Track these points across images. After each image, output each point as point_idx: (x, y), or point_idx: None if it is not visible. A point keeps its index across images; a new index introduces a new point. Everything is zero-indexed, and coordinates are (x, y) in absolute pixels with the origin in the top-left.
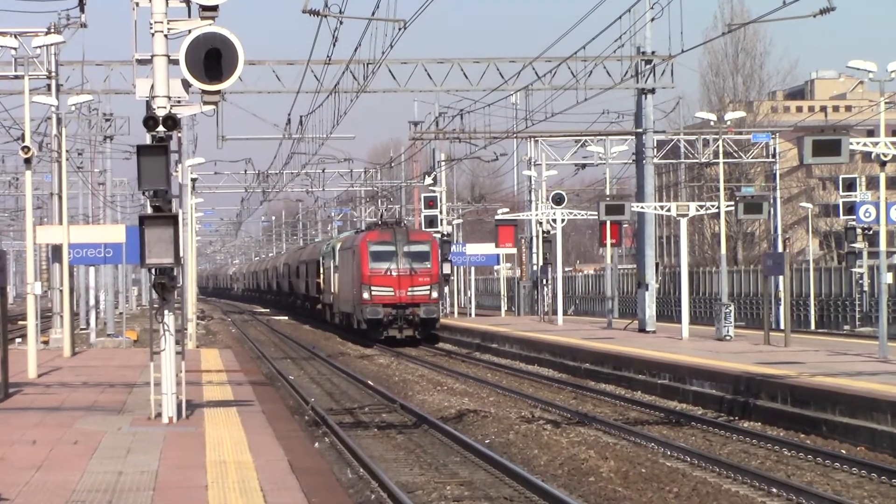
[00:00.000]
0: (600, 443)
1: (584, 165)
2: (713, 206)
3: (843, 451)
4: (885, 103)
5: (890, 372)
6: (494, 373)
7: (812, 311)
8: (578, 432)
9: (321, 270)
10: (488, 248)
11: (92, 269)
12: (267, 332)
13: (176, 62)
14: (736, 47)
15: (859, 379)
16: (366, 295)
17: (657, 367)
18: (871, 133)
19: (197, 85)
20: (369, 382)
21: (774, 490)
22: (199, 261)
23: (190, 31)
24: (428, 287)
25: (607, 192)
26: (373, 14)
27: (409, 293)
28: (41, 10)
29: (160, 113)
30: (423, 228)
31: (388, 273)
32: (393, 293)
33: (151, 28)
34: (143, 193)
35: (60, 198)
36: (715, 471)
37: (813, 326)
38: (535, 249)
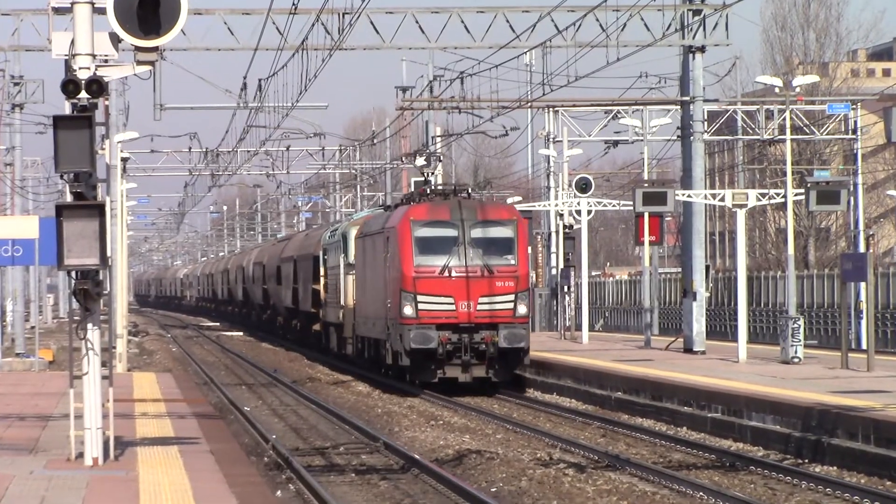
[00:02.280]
0: (635, 492)
1: (616, 143)
2: (778, 194)
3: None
4: None
5: None
6: (503, 404)
7: None
8: (608, 479)
9: (321, 272)
10: None
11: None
12: (216, 352)
13: (103, 11)
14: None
15: None
16: (408, 310)
17: (706, 397)
18: None
19: (129, 40)
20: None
21: None
22: (132, 261)
23: None
24: (511, 297)
25: (645, 177)
26: None
27: (480, 307)
28: None
29: (83, 75)
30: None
31: (446, 274)
32: (453, 308)
33: None
34: (62, 177)
35: None
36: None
37: None
38: (553, 249)
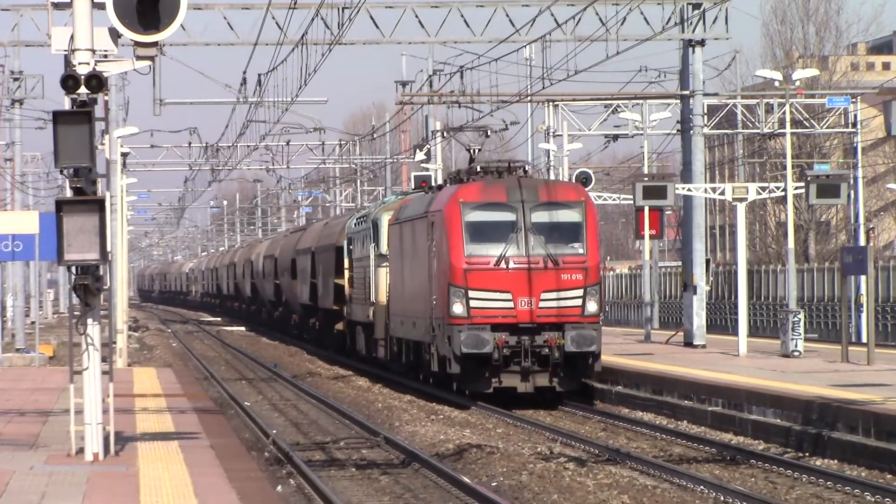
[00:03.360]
0: (636, 486)
1: (616, 137)
2: (778, 188)
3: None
4: None
5: None
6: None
7: None
8: (609, 473)
9: (345, 265)
10: None
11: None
12: (216, 347)
13: (102, 7)
14: None
15: None
16: (457, 308)
17: (707, 391)
18: None
19: (128, 35)
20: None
21: None
22: (132, 256)
23: None
24: (580, 292)
25: (645, 171)
26: None
27: (543, 304)
28: None
29: (82, 70)
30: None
31: (503, 265)
32: (511, 305)
33: None
34: (62, 172)
35: None
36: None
37: None
38: None
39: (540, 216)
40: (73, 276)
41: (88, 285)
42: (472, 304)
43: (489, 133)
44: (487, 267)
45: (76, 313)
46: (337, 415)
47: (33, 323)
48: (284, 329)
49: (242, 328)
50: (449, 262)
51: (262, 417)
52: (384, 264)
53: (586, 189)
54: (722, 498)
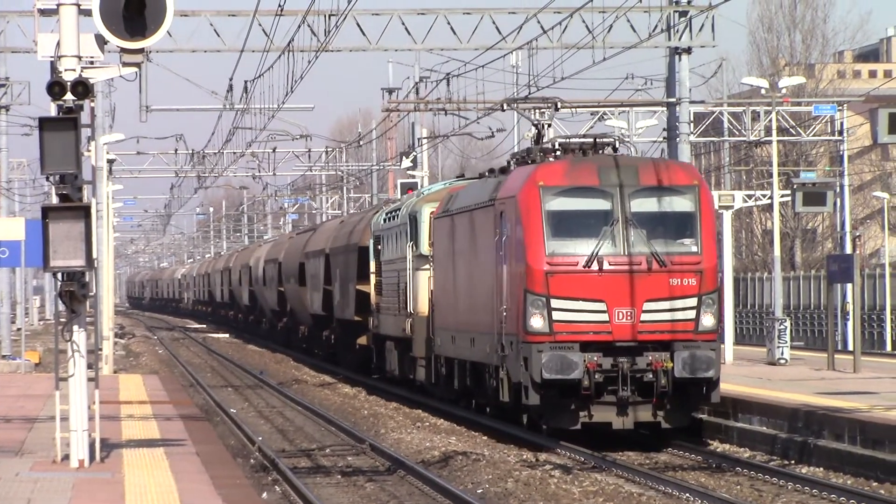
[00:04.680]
0: (622, 493)
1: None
2: (764, 195)
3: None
4: None
5: None
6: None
7: (888, 328)
8: (594, 480)
9: (371, 268)
10: None
11: None
12: (202, 354)
13: (88, 13)
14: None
15: None
16: (536, 321)
17: None
18: None
19: (115, 42)
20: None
21: None
22: (118, 263)
23: None
24: (693, 301)
25: None
26: None
27: (646, 318)
28: None
29: (68, 77)
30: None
31: (595, 267)
32: (605, 318)
33: None
34: (48, 178)
35: None
36: None
37: (889, 347)
38: None
39: (642, 204)
40: (59, 283)
41: (74, 292)
42: (556, 316)
43: (559, 106)
44: (575, 269)
45: (62, 320)
46: (323, 422)
47: (19, 330)
48: (290, 342)
49: (227, 335)
50: (526, 263)
51: (247, 424)
52: (425, 267)
53: None
54: None
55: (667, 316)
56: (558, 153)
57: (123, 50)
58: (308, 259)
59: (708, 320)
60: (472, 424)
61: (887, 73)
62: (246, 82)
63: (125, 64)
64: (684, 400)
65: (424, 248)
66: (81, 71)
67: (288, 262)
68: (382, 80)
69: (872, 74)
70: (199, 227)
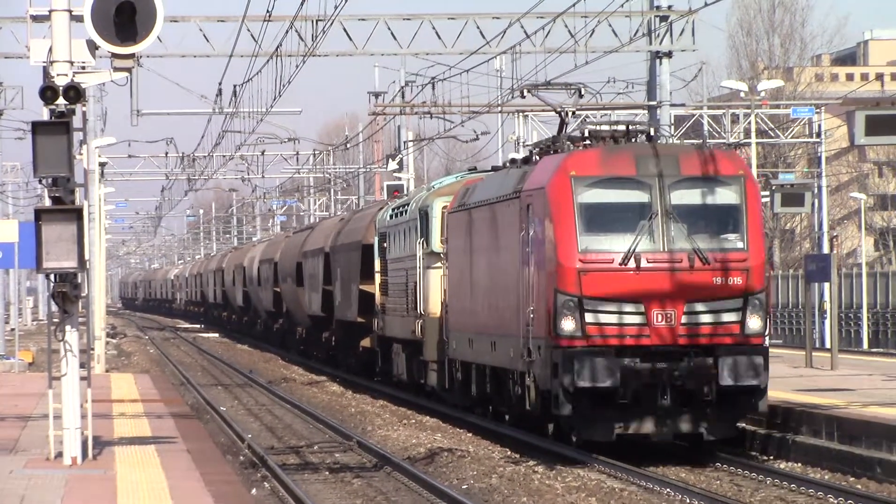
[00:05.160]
0: (604, 489)
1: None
2: None
3: None
4: None
5: None
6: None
7: (865, 327)
8: (577, 476)
9: (376, 267)
10: None
11: None
12: (193, 353)
13: (80, 19)
14: (772, 1)
15: None
16: (568, 324)
17: None
18: None
19: (106, 47)
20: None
21: None
22: (110, 264)
23: None
24: (739, 302)
25: None
26: None
27: (688, 320)
28: None
29: (60, 82)
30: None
31: (633, 264)
32: (643, 320)
33: None
34: (40, 181)
35: None
36: None
37: (866, 345)
38: None
39: (683, 196)
40: (52, 284)
41: (67, 293)
42: (589, 318)
43: (582, 92)
44: (610, 267)
45: (55, 320)
46: (311, 419)
47: (13, 330)
48: (286, 344)
49: (217, 335)
50: (556, 261)
51: (237, 422)
52: (437, 265)
53: None
54: (688, 500)
55: (710, 318)
56: (588, 142)
57: (114, 55)
58: (306, 258)
59: (755, 323)
60: (457, 422)
61: (864, 76)
62: (235, 86)
63: (116, 69)
64: (729, 409)
65: (436, 245)
66: (73, 76)
67: (284, 262)
68: (369, 83)
69: (850, 77)
70: (190, 229)
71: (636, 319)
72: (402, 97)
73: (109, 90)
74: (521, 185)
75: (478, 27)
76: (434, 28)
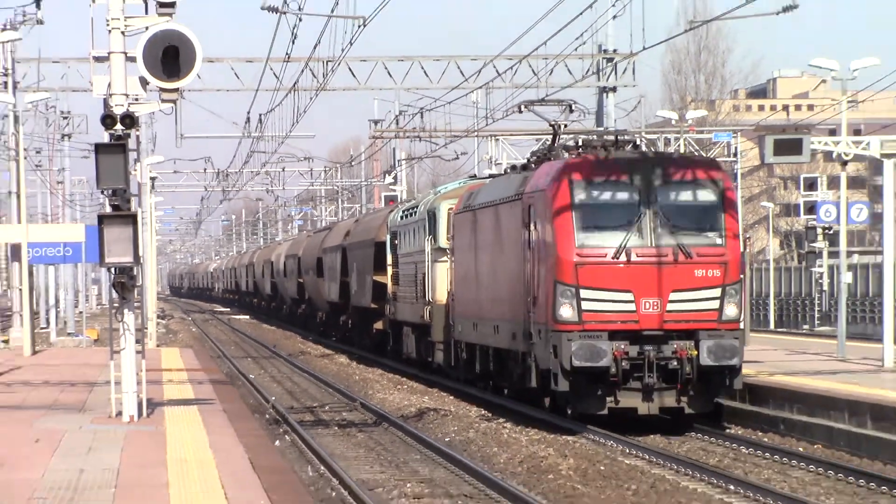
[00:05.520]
0: (559, 441)
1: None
2: None
3: (801, 449)
4: (847, 102)
5: (848, 371)
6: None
7: (772, 311)
8: (538, 430)
9: (388, 261)
10: None
11: (51, 268)
12: (227, 332)
13: (133, 59)
14: (698, 45)
15: (817, 378)
16: (566, 311)
17: None
18: (832, 132)
19: (155, 83)
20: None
21: (732, 487)
22: (160, 259)
23: (147, 28)
24: (717, 291)
25: None
26: (332, 11)
27: (672, 307)
28: None
29: (118, 111)
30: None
31: (622, 258)
32: (633, 308)
33: (108, 25)
34: (102, 192)
35: (19, 196)
36: (673, 468)
37: (772, 326)
38: None
39: (668, 197)
40: (113, 276)
41: (125, 282)
42: (585, 305)
43: (573, 108)
44: (604, 260)
45: (115, 305)
46: (323, 385)
47: (81, 312)
48: (308, 326)
49: (247, 317)
50: (556, 255)
51: (264, 387)
52: (443, 259)
53: None
54: (627, 451)
55: (692, 306)
56: (580, 150)
57: (162, 89)
58: (325, 254)
59: (731, 310)
60: (443, 388)
61: (773, 108)
62: (260, 115)
63: (163, 100)
64: (708, 386)
65: (442, 241)
66: (128, 106)
67: (306, 257)
68: (369, 113)
69: (761, 108)
70: (224, 231)
71: (626, 307)
72: (397, 124)
73: (158, 118)
74: (523, 188)
75: (458, 67)
76: (422, 67)
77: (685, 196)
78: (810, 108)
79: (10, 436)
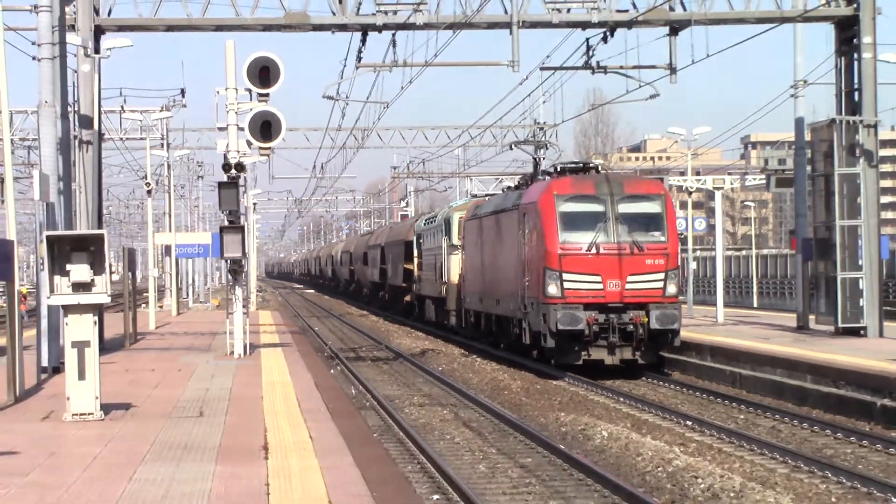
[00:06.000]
0: (512, 369)
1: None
2: None
3: (675, 375)
4: (691, 155)
5: (695, 325)
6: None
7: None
8: (498, 361)
9: (415, 254)
10: None
11: (190, 260)
12: (301, 301)
13: (242, 129)
14: (597, 119)
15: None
16: (552, 289)
17: None
18: (682, 174)
19: (256, 143)
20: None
21: (622, 399)
22: (259, 255)
23: (251, 109)
24: (661, 275)
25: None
26: (367, 98)
27: (629, 287)
28: (158, 95)
29: (232, 161)
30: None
31: (593, 251)
32: (601, 287)
33: (227, 108)
34: (223, 212)
35: (170, 215)
36: (584, 387)
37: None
38: None
39: (625, 207)
40: (229, 264)
41: (236, 269)
42: (566, 285)
43: (548, 146)
44: (580, 252)
45: (230, 283)
46: (361, 334)
47: (208, 288)
48: (355, 297)
49: (313, 291)
50: (545, 248)
51: (323, 336)
52: (455, 252)
53: None
54: (558, 376)
55: (643, 285)
56: (556, 173)
57: (260, 148)
58: (370, 249)
59: (672, 288)
60: (437, 336)
61: (645, 158)
62: (322, 164)
63: (261, 155)
64: (655, 344)
65: (455, 240)
66: (239, 158)
67: (356, 252)
68: (391, 161)
69: (637, 159)
70: (299, 237)
71: (596, 286)
72: (408, 168)
73: (257, 165)
74: (519, 200)
75: (446, 133)
76: (424, 134)
77: (637, 206)
78: (668, 158)
79: (163, 367)
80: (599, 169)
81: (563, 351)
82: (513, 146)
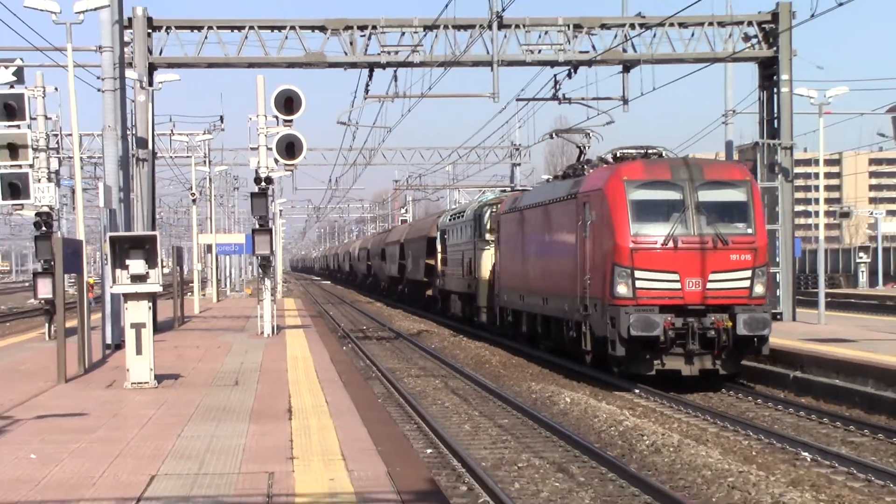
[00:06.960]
0: (492, 347)
1: None
2: None
3: None
4: None
5: None
6: (431, 308)
7: None
8: (485, 340)
9: (438, 249)
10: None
11: (228, 256)
12: (319, 291)
13: (270, 149)
14: (562, 141)
15: None
16: (622, 289)
17: None
18: None
19: (282, 161)
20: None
21: (576, 382)
22: (284, 252)
23: (278, 133)
24: (748, 272)
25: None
26: (374, 124)
27: (711, 286)
28: (201, 121)
29: (262, 175)
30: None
31: (671, 245)
32: (678, 286)
33: (258, 131)
34: (254, 217)
35: (211, 220)
36: (549, 363)
37: None
38: None
39: (706, 195)
40: (259, 259)
41: (265, 264)
42: (639, 284)
43: (590, 135)
44: (655, 247)
45: (260, 275)
46: (369, 317)
47: (243, 280)
48: (371, 290)
49: (330, 282)
50: (614, 242)
51: (337, 319)
52: (487, 247)
53: None
54: (532, 353)
55: (727, 284)
56: (609, 161)
57: (285, 164)
58: (387, 246)
59: (759, 288)
60: (431, 319)
61: None
62: (336, 178)
63: (286, 169)
64: (738, 352)
65: (486, 235)
66: (268, 173)
67: (373, 248)
68: (393, 176)
69: None
70: (318, 238)
71: (674, 286)
72: (407, 182)
73: (283, 179)
74: (576, 189)
75: (439, 153)
76: (420, 153)
77: (720, 194)
78: None
79: (205, 345)
80: (663, 154)
81: (633, 359)
82: (553, 135)
